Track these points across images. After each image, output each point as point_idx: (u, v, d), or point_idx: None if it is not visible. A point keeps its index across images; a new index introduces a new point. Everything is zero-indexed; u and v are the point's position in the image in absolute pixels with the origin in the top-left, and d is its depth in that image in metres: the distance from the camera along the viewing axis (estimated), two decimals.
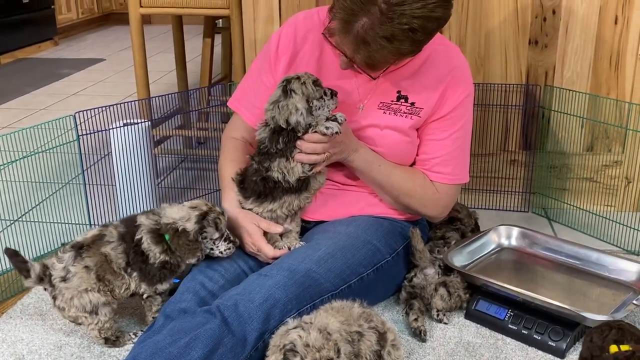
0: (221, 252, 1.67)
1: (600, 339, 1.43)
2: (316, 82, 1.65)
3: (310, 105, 1.63)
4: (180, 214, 1.64)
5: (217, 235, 1.66)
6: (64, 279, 1.62)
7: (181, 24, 3.22)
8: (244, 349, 1.45)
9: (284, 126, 1.63)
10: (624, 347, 1.39)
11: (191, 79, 3.84)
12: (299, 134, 1.64)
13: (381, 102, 1.77)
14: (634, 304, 1.65)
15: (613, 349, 1.40)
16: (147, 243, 1.62)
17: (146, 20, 7.04)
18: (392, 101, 1.76)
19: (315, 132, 1.63)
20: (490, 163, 2.49)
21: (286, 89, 1.64)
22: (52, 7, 6.08)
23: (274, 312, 1.49)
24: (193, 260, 1.66)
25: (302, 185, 1.70)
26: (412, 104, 1.75)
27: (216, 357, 1.42)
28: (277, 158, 1.66)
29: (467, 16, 2.33)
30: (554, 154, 2.42)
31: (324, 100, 1.65)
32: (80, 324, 1.67)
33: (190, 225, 1.62)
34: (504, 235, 2.04)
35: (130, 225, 1.66)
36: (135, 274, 1.64)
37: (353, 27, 1.51)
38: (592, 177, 2.45)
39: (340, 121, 1.64)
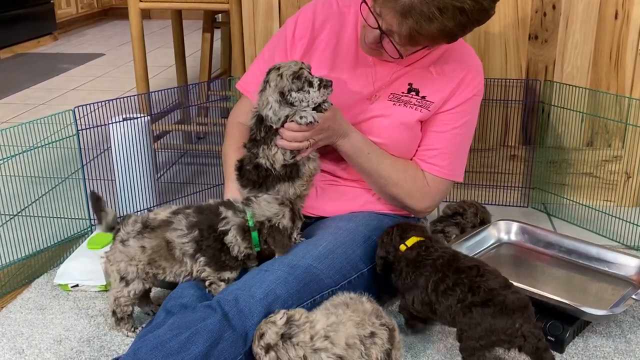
0: (295, 239, 1.67)
1: (389, 238, 1.66)
2: (297, 74, 1.61)
3: (287, 97, 1.61)
4: (272, 210, 1.62)
5: (300, 224, 1.67)
6: (123, 243, 1.66)
7: (181, 19, 3.22)
8: (244, 343, 1.45)
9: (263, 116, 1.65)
10: (410, 241, 1.63)
11: (190, 74, 3.84)
12: (273, 126, 1.63)
13: (392, 94, 1.77)
14: (634, 299, 1.65)
15: (402, 248, 1.63)
16: (235, 238, 1.60)
17: (145, 15, 7.04)
18: (403, 93, 1.77)
19: (292, 121, 1.62)
20: (490, 158, 2.49)
21: (265, 80, 1.64)
22: (52, 1, 6.08)
23: (275, 308, 1.49)
24: (281, 254, 1.64)
25: (292, 172, 1.69)
26: (423, 97, 1.76)
27: (217, 352, 1.42)
28: (261, 145, 1.68)
29: None
30: (553, 149, 2.42)
31: (308, 92, 1.61)
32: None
33: (287, 222, 1.62)
34: (504, 230, 2.04)
35: (205, 214, 1.63)
36: (202, 259, 1.61)
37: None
38: (592, 172, 2.45)
39: (324, 108, 1.62)
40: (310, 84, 1.61)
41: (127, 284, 1.68)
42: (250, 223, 1.61)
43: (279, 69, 1.63)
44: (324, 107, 1.63)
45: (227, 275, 1.62)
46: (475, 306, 1.47)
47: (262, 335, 1.40)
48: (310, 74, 1.63)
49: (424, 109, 1.76)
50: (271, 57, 1.86)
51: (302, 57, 1.80)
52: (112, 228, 1.71)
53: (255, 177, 1.71)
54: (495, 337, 1.45)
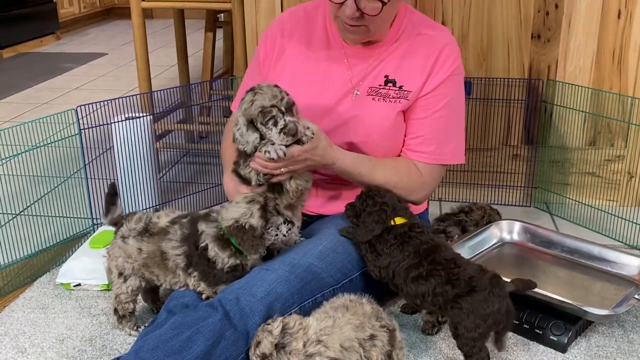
0: (284, 235, 1.59)
1: (385, 217, 1.64)
2: (265, 109, 1.54)
3: (255, 124, 1.56)
4: (240, 211, 1.56)
5: (280, 220, 1.58)
6: (123, 239, 1.68)
7: (183, 18, 3.22)
8: (245, 342, 1.45)
9: None
10: (399, 220, 1.64)
11: (193, 74, 3.84)
12: (240, 147, 1.60)
13: (370, 88, 1.76)
14: (636, 298, 1.65)
15: (391, 223, 1.64)
16: (214, 251, 1.56)
17: (148, 14, 7.05)
18: (380, 85, 1.76)
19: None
20: (493, 157, 2.49)
21: (243, 98, 1.60)
22: (54, 1, 6.08)
23: (276, 307, 1.49)
24: (255, 256, 1.59)
25: (274, 187, 1.65)
26: (400, 87, 1.75)
27: (218, 351, 1.42)
28: (241, 157, 1.66)
29: (470, 10, 2.33)
30: (556, 148, 2.42)
31: (270, 130, 1.54)
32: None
33: (255, 221, 1.54)
34: (506, 230, 2.04)
35: (194, 227, 1.61)
36: (196, 274, 1.60)
37: None
38: (595, 171, 2.44)
39: (302, 141, 1.56)
40: (275, 124, 1.54)
41: (125, 280, 1.69)
42: (224, 230, 1.57)
43: (255, 94, 1.57)
44: (303, 140, 1.57)
45: (222, 288, 1.58)
46: (462, 297, 1.48)
47: (258, 344, 1.41)
48: (282, 111, 1.54)
49: (403, 99, 1.74)
50: (249, 82, 1.87)
51: (274, 70, 1.81)
52: (116, 224, 1.73)
53: (244, 183, 1.69)
54: (492, 320, 1.47)
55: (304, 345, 1.40)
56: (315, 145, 1.59)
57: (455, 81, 1.77)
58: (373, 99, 1.75)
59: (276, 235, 1.59)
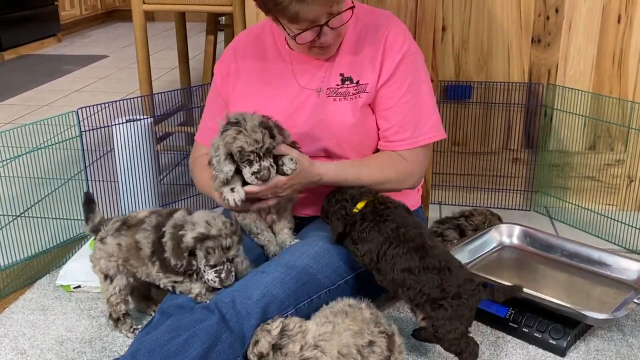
0: (207, 280, 1.54)
1: (345, 212, 1.64)
2: (242, 149, 1.53)
3: (233, 158, 1.57)
4: (200, 222, 1.54)
5: (204, 262, 1.52)
6: (101, 240, 1.71)
7: (184, 21, 3.23)
8: (242, 345, 1.45)
9: None
10: (361, 204, 1.63)
11: (194, 76, 3.84)
12: (214, 172, 1.60)
13: (328, 89, 1.75)
14: (635, 303, 1.65)
15: (355, 211, 1.63)
16: (167, 237, 1.57)
17: (149, 17, 7.05)
18: (338, 85, 1.75)
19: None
20: (493, 161, 2.49)
21: (225, 128, 1.58)
22: (56, 3, 6.09)
23: (272, 309, 1.49)
24: (172, 263, 1.54)
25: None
26: (357, 82, 1.74)
27: (214, 354, 1.42)
28: None
29: (470, 15, 2.33)
30: (556, 152, 2.42)
31: (244, 168, 1.56)
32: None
33: (188, 238, 1.52)
34: (506, 234, 2.04)
35: (165, 216, 1.63)
36: (157, 263, 1.60)
37: None
38: (595, 175, 2.44)
39: (284, 171, 1.58)
40: (249, 164, 1.55)
41: (112, 281, 1.70)
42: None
43: (239, 132, 1.54)
44: (287, 173, 1.58)
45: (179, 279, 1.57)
46: (446, 300, 1.50)
47: (256, 343, 1.42)
48: (260, 156, 1.54)
49: (362, 93, 1.73)
50: (210, 109, 1.90)
51: (234, 93, 1.82)
52: (97, 230, 1.75)
53: None
54: (467, 321, 1.51)
55: (301, 349, 1.40)
56: (299, 170, 1.61)
57: (409, 63, 1.74)
58: (334, 99, 1.74)
59: (203, 270, 1.54)
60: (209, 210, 1.60)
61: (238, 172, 1.58)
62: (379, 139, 1.79)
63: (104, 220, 1.77)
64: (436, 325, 1.51)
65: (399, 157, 1.76)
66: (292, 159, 1.59)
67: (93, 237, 2.04)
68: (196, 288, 1.56)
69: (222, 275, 1.52)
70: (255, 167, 1.54)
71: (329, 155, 1.77)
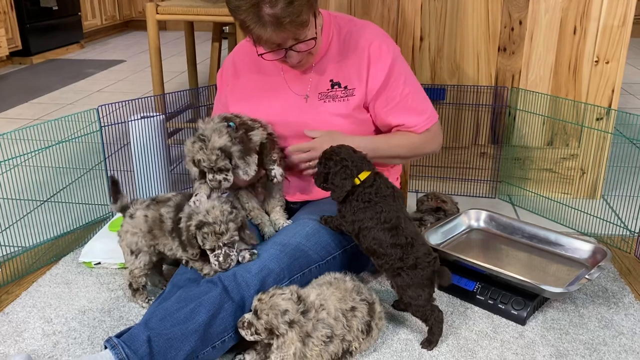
0: (211, 263, 1.52)
1: (350, 173, 1.58)
2: (200, 163, 1.56)
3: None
4: (202, 210, 1.51)
5: (202, 246, 1.51)
6: (131, 216, 1.68)
7: (192, 30, 3.21)
8: (242, 312, 1.45)
9: None
10: (363, 175, 1.58)
11: (201, 79, 3.82)
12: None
13: (320, 93, 1.74)
14: (587, 278, 1.65)
15: (357, 182, 1.58)
16: (182, 223, 1.54)
17: (162, 26, 6.99)
18: (328, 90, 1.73)
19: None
20: (463, 155, 2.49)
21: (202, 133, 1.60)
22: (79, 13, 6.03)
23: (269, 280, 1.49)
24: (190, 253, 1.54)
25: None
26: (345, 87, 1.72)
27: (218, 321, 1.42)
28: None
29: (445, 27, 2.32)
30: (518, 147, 2.42)
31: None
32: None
33: (192, 227, 1.51)
34: (474, 218, 2.04)
35: (188, 197, 1.63)
36: (177, 240, 1.59)
37: (262, 16, 1.48)
38: (552, 168, 2.45)
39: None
40: (204, 174, 1.58)
41: (137, 256, 1.69)
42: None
43: (201, 147, 1.57)
44: (273, 175, 1.66)
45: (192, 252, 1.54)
46: (405, 270, 1.51)
47: (285, 312, 1.37)
48: (213, 169, 1.56)
49: (350, 96, 1.71)
50: (215, 109, 1.91)
51: (232, 101, 1.81)
52: (125, 209, 1.72)
53: None
54: (427, 288, 1.52)
55: (316, 311, 1.40)
56: (320, 134, 1.69)
57: (398, 64, 1.73)
58: (324, 102, 1.73)
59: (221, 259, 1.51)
60: (218, 197, 1.58)
61: None
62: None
63: (134, 200, 1.75)
64: (400, 293, 1.53)
65: (420, 135, 1.76)
66: (278, 166, 1.65)
67: (114, 219, 2.05)
68: (206, 269, 1.54)
69: (220, 259, 1.49)
70: (209, 177, 1.57)
71: None
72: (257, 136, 1.63)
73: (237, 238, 1.50)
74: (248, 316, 1.41)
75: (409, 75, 1.77)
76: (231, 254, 1.50)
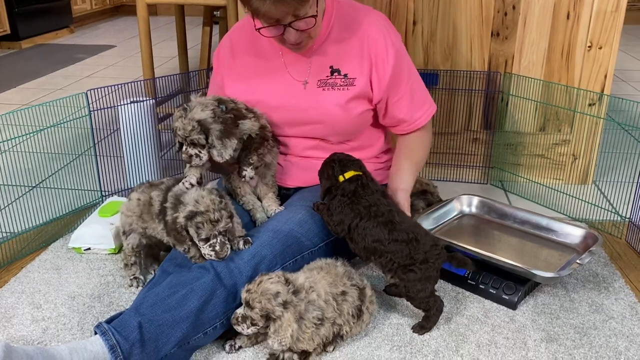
0: (204, 255, 1.47)
1: (332, 173, 1.59)
2: (175, 132, 1.55)
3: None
4: (190, 201, 1.46)
5: (197, 238, 1.46)
6: (129, 198, 1.69)
7: (183, 15, 3.17)
8: (234, 299, 1.44)
9: None
10: (348, 174, 1.57)
11: (192, 64, 3.79)
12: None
13: (319, 80, 1.70)
14: (578, 263, 1.66)
15: (341, 179, 1.57)
16: (169, 203, 1.51)
17: (152, 11, 6.92)
18: (328, 76, 1.69)
19: None
20: (455, 141, 2.49)
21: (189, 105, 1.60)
22: None
23: (261, 267, 1.48)
24: (180, 249, 1.51)
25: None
26: (345, 75, 1.69)
27: (210, 307, 1.41)
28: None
29: (438, 11, 2.31)
30: (511, 133, 2.42)
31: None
32: None
33: (180, 219, 1.46)
34: (466, 204, 2.04)
35: (177, 181, 1.61)
36: (162, 223, 1.55)
37: None
38: (544, 153, 2.45)
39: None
40: (180, 145, 1.59)
41: (127, 237, 1.69)
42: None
43: (180, 115, 1.55)
44: (243, 174, 1.65)
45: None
46: (416, 265, 1.50)
47: (277, 294, 1.36)
48: (186, 141, 1.55)
49: (350, 86, 1.68)
50: (210, 91, 1.88)
51: (228, 84, 1.78)
52: None
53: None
54: (433, 280, 1.52)
55: (306, 292, 1.40)
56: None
57: (401, 56, 1.71)
58: (323, 89, 1.69)
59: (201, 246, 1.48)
60: (203, 187, 1.54)
61: None
62: (376, 126, 1.80)
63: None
64: (408, 287, 1.51)
65: (424, 131, 1.79)
66: (251, 169, 1.64)
67: (104, 204, 2.03)
68: (192, 252, 1.52)
69: (217, 248, 1.44)
70: (183, 149, 1.57)
71: (318, 137, 1.74)
72: (246, 126, 1.60)
73: (231, 225, 1.47)
74: (240, 311, 1.39)
75: (408, 68, 1.75)
76: (227, 242, 1.46)
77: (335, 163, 1.60)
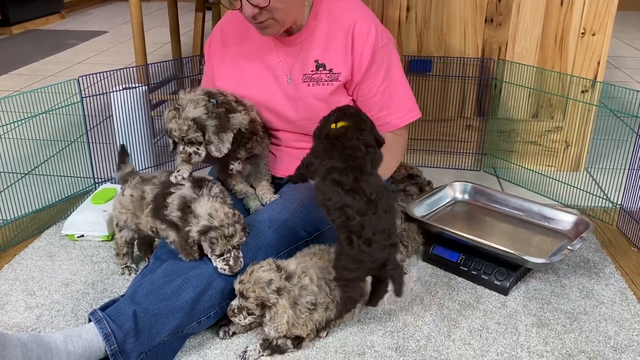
0: (215, 268, 1.44)
1: (325, 117, 1.48)
2: (171, 133, 1.53)
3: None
4: (203, 214, 1.42)
5: (210, 252, 1.43)
6: (122, 192, 1.66)
7: (176, 0, 3.14)
8: (231, 290, 1.44)
9: None
10: (340, 124, 1.44)
11: (184, 50, 3.77)
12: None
13: (304, 75, 1.67)
14: (569, 249, 1.67)
15: (332, 126, 1.45)
16: (174, 204, 1.47)
17: None
18: (313, 71, 1.66)
19: None
20: (448, 128, 2.49)
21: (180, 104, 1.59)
22: None
23: (258, 257, 1.48)
24: (185, 260, 1.47)
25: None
26: (330, 70, 1.66)
27: (205, 298, 1.42)
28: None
29: None
30: (504, 120, 2.42)
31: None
32: None
33: (193, 233, 1.43)
34: (459, 190, 2.05)
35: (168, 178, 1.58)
36: (150, 211, 1.53)
37: None
38: (536, 140, 2.46)
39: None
40: (175, 144, 1.57)
41: (120, 230, 1.69)
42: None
43: (174, 115, 1.53)
44: (230, 167, 1.64)
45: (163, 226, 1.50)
46: (356, 239, 1.34)
47: (270, 282, 1.36)
48: (184, 140, 1.54)
49: (335, 81, 1.66)
50: (203, 81, 1.86)
51: (218, 74, 1.77)
52: (125, 181, 1.69)
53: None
54: (365, 267, 1.38)
55: (298, 278, 1.40)
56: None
57: (381, 54, 1.66)
58: (308, 85, 1.67)
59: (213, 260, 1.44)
60: (215, 196, 1.48)
61: None
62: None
63: (134, 172, 1.71)
64: (337, 253, 1.40)
65: (395, 137, 1.73)
66: (239, 163, 1.63)
67: (97, 191, 2.03)
68: (172, 236, 1.49)
69: (231, 262, 1.41)
70: (180, 148, 1.55)
71: (305, 133, 1.73)
72: (237, 120, 1.59)
73: (245, 239, 1.44)
74: (235, 302, 1.40)
75: (390, 69, 1.69)
76: (240, 255, 1.44)
77: (332, 115, 1.48)
